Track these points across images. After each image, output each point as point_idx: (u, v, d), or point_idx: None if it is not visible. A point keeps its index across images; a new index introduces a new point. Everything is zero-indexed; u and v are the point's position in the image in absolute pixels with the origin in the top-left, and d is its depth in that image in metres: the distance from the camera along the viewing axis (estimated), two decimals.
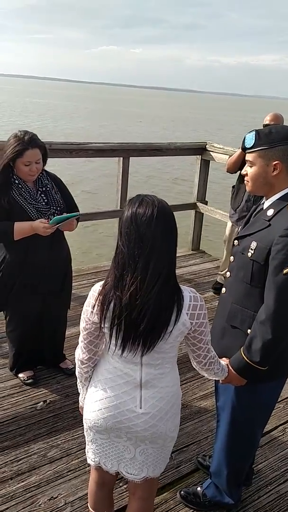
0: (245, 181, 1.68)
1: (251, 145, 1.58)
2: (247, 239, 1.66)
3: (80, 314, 1.52)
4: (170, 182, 12.31)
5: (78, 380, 1.63)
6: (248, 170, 1.64)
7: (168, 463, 2.23)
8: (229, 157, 3.83)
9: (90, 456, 1.63)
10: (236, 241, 1.74)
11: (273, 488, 2.19)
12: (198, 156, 4.80)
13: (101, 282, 1.45)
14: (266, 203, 1.66)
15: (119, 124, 26.99)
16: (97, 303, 1.42)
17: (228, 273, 1.78)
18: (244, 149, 1.63)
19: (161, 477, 2.17)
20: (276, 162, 1.56)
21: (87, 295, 1.47)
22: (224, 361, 1.67)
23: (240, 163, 3.55)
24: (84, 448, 2.25)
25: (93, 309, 1.43)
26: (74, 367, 2.78)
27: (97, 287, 1.45)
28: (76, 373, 1.62)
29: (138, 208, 1.37)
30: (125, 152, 4.23)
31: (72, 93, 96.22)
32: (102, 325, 1.42)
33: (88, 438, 1.62)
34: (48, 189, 2.49)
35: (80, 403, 1.67)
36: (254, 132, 1.59)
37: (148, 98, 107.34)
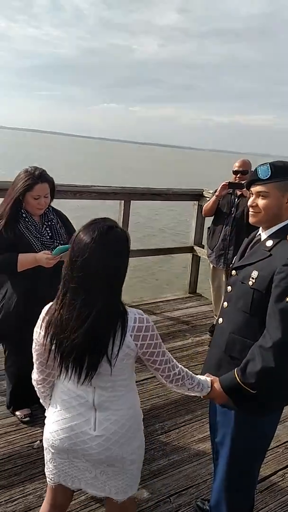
0: (251, 212, 1.69)
1: (267, 176, 1.62)
2: (246, 268, 1.68)
3: None
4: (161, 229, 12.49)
5: (40, 399, 1.61)
6: (258, 201, 1.66)
7: (167, 506, 2.16)
8: (204, 204, 4.09)
9: (48, 476, 1.58)
10: (234, 271, 1.76)
11: None
12: (195, 201, 4.95)
13: (51, 303, 1.44)
14: (263, 235, 1.71)
15: (114, 176, 27.65)
16: (42, 323, 1.41)
17: (225, 303, 1.78)
18: (254, 181, 1.66)
19: None
20: None
21: None
22: (208, 377, 1.65)
23: (215, 208, 3.87)
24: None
25: (40, 329, 1.42)
26: None
27: (46, 308, 1.44)
28: (36, 392, 1.60)
29: (80, 232, 1.33)
30: (126, 195, 4.36)
31: (72, 147, 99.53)
32: (46, 347, 1.40)
33: (47, 457, 1.57)
34: (53, 223, 2.57)
35: None
36: (268, 165, 1.63)
37: (144, 153, 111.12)
